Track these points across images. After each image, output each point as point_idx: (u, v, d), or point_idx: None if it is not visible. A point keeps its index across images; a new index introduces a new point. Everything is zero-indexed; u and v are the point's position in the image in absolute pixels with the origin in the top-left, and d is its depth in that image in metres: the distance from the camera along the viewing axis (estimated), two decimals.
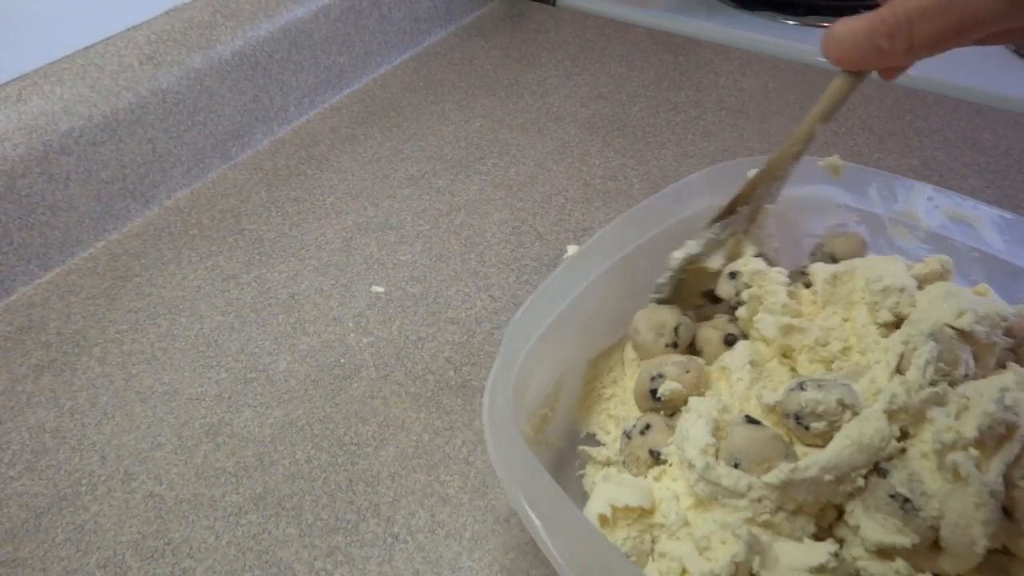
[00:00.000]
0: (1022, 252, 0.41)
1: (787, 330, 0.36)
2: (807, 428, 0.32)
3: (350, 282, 0.52)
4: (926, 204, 0.43)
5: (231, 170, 0.63)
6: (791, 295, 0.38)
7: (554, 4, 0.86)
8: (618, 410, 0.40)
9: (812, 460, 0.30)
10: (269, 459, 0.42)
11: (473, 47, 0.79)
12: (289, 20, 0.64)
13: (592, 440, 0.41)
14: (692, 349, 0.40)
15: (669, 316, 0.40)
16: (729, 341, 0.39)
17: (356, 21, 0.70)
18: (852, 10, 0.91)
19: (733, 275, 0.40)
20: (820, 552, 0.30)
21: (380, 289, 0.52)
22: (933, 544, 0.30)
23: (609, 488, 0.34)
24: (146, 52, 0.56)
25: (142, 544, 0.38)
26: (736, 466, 0.32)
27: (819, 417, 0.32)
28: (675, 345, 0.39)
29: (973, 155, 0.62)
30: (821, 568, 0.29)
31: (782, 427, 0.34)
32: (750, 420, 0.33)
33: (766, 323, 0.37)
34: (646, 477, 0.35)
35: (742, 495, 0.31)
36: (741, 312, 0.39)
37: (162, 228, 0.57)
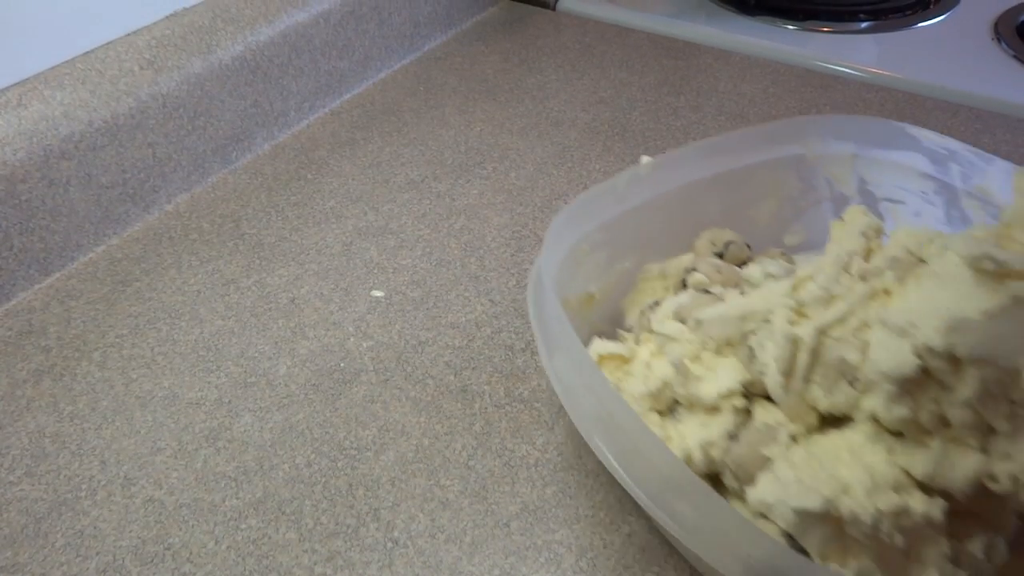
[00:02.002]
0: None
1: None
2: (742, 293, 0.40)
3: (350, 286, 0.52)
4: (1003, 180, 0.44)
5: (231, 175, 0.63)
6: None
7: (554, 9, 0.86)
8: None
9: (721, 306, 0.38)
10: (269, 463, 0.42)
11: (473, 52, 0.79)
12: (289, 25, 0.65)
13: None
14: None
15: (729, 235, 0.47)
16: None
17: (356, 26, 0.70)
18: (851, 15, 0.91)
19: None
20: (730, 379, 0.36)
21: (380, 293, 0.52)
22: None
23: (600, 342, 0.42)
24: (146, 57, 0.56)
25: (142, 549, 0.38)
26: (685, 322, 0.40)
27: (752, 284, 0.40)
28: (720, 256, 0.46)
29: None
30: (728, 393, 0.36)
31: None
32: (706, 291, 0.41)
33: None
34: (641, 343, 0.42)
35: (676, 339, 0.39)
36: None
37: (162, 233, 0.57)
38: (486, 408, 0.45)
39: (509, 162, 0.64)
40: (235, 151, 0.63)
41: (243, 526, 0.39)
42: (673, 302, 0.41)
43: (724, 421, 0.36)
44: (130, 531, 0.39)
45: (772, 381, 0.34)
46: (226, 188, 0.61)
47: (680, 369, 0.37)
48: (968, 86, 0.69)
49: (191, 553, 0.38)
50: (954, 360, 0.28)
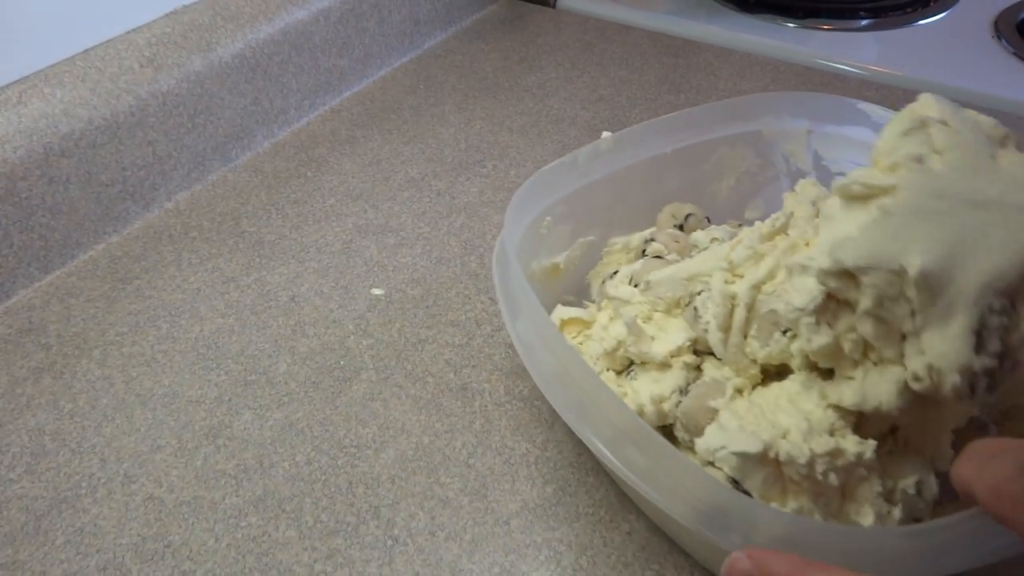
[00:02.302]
0: None
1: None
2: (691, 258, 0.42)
3: (350, 284, 0.52)
4: None
5: (231, 172, 0.63)
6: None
7: (554, 6, 0.86)
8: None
9: (669, 268, 0.41)
10: (269, 461, 0.42)
11: (473, 49, 0.79)
12: (289, 23, 0.65)
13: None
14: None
15: (690, 208, 0.48)
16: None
17: (356, 24, 0.70)
18: (851, 13, 0.90)
19: None
20: (679, 337, 0.39)
21: (380, 291, 0.52)
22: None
23: (563, 308, 0.44)
24: (146, 55, 0.56)
25: (142, 547, 0.38)
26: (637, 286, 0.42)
27: (699, 248, 0.42)
28: (680, 228, 0.48)
29: None
30: (677, 350, 0.38)
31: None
32: (657, 256, 0.44)
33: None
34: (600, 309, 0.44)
35: (629, 302, 0.41)
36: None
37: (162, 230, 0.57)
38: (486, 406, 0.45)
39: (509, 160, 0.64)
40: (235, 149, 0.63)
41: (243, 524, 0.39)
42: (629, 268, 0.43)
43: (675, 377, 0.38)
44: (130, 529, 0.39)
45: (713, 337, 0.37)
46: (226, 186, 0.61)
47: (632, 328, 0.39)
48: (968, 84, 0.69)
49: (191, 551, 0.38)
50: (848, 275, 0.31)
